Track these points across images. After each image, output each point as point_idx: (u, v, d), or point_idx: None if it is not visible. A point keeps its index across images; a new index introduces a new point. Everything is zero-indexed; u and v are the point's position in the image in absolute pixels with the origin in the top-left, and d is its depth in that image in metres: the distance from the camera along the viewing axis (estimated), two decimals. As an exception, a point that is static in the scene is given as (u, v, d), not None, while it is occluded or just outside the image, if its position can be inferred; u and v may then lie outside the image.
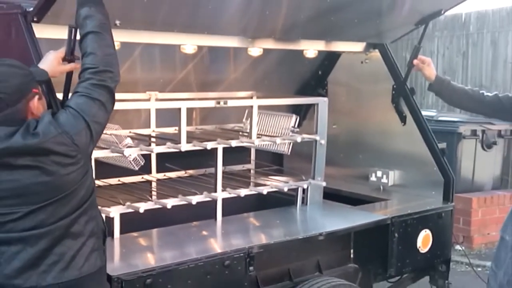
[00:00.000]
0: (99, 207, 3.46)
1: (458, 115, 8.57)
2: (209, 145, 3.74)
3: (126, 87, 4.49)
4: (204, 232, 3.67)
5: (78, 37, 2.82)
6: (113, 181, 4.19)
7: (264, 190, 4.01)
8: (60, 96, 3.16)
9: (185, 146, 3.69)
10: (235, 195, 3.93)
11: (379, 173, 4.89)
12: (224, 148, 3.89)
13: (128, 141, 3.56)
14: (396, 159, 4.85)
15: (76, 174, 2.47)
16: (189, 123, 4.79)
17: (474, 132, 7.83)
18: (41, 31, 3.23)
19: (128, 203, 3.53)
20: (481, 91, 4.25)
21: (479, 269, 6.46)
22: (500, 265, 3.76)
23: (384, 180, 4.86)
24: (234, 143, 3.83)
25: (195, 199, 3.72)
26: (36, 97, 2.54)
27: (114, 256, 3.21)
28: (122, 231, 3.51)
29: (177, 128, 4.43)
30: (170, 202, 3.65)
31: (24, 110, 2.48)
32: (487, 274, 6.34)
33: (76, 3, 2.68)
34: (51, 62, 2.77)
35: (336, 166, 4.88)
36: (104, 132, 3.62)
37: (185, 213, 3.81)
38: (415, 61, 4.33)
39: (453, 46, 9.39)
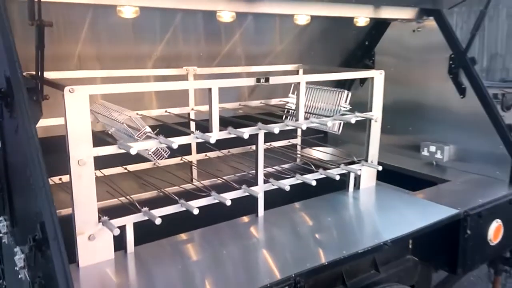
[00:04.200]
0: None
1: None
2: (247, 134, 1.98)
3: (168, 61, 2.84)
4: (240, 243, 1.97)
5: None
6: (146, 165, 2.54)
7: (313, 181, 2.26)
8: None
9: (216, 136, 1.98)
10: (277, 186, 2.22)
11: (432, 148, 3.09)
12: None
13: (147, 130, 1.89)
14: (453, 133, 3.02)
15: None
16: (234, 99, 3.11)
17: (495, 96, 5.88)
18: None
19: (145, 209, 1.87)
20: None
21: None
22: None
23: (438, 155, 3.05)
24: (276, 130, 2.07)
25: (229, 197, 2.03)
26: None
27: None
28: (144, 233, 1.88)
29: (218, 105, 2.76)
30: (199, 203, 1.97)
31: None
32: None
33: None
34: None
35: (382, 138, 3.01)
36: (120, 121, 1.97)
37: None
38: None
39: (471, 20, 7.26)
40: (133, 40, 2.69)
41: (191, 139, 1.94)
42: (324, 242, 1.98)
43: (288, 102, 2.98)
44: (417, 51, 3.21)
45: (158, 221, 1.77)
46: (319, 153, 3.13)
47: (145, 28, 2.67)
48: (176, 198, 1.97)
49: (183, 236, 2.00)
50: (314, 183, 2.24)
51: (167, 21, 2.72)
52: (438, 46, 3.04)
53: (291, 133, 3.15)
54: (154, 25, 2.70)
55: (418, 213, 2.30)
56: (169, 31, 2.76)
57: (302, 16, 2.61)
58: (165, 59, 2.85)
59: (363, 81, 3.57)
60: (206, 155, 2.77)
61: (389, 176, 2.84)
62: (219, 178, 2.42)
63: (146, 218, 1.83)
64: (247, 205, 2.21)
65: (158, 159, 2.00)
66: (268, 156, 2.73)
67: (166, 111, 2.59)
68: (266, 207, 2.24)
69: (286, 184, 2.19)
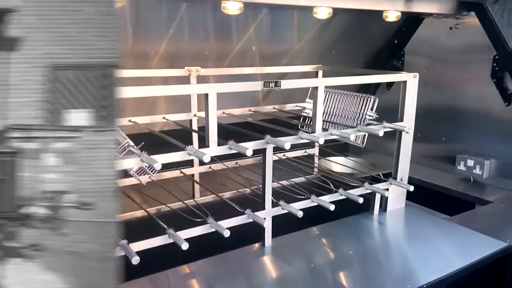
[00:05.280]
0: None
1: None
2: (250, 150, 1.55)
3: (172, 60, 2.44)
4: (240, 285, 1.55)
5: None
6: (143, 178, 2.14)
7: (331, 206, 1.83)
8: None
9: (212, 152, 1.57)
10: (287, 211, 1.79)
11: (470, 162, 2.61)
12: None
13: (130, 143, 1.49)
14: (494, 146, 2.55)
15: None
16: (246, 103, 2.69)
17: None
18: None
19: (122, 242, 1.47)
20: None
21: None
22: None
23: (476, 171, 2.58)
24: (287, 145, 1.63)
25: (230, 225, 1.63)
26: None
27: None
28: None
29: (225, 111, 2.36)
30: (191, 233, 1.57)
31: None
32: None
33: None
34: None
35: (411, 148, 2.47)
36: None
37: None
38: None
39: (504, 19, 6.62)
40: (132, 36, 2.30)
41: (182, 156, 1.53)
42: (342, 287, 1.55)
43: (305, 108, 2.55)
44: (454, 51, 2.74)
45: (135, 261, 1.37)
46: (339, 165, 2.70)
47: (146, 22, 2.29)
48: (165, 226, 1.57)
49: (170, 272, 1.60)
50: (332, 207, 1.81)
51: (170, 14, 2.33)
52: (479, 45, 2.58)
53: (308, 142, 2.72)
54: (155, 18, 2.31)
55: (457, 247, 1.85)
56: (172, 26, 2.38)
57: (323, 9, 2.17)
58: (168, 58, 2.46)
59: (390, 84, 3.11)
60: (210, 167, 2.37)
61: (418, 193, 2.37)
62: (220, 197, 2.01)
63: (123, 253, 1.43)
64: (256, 224, 1.78)
65: (141, 177, 1.62)
66: (279, 169, 2.31)
67: (164, 118, 2.19)
68: (275, 229, 1.82)
69: (298, 208, 1.77)
